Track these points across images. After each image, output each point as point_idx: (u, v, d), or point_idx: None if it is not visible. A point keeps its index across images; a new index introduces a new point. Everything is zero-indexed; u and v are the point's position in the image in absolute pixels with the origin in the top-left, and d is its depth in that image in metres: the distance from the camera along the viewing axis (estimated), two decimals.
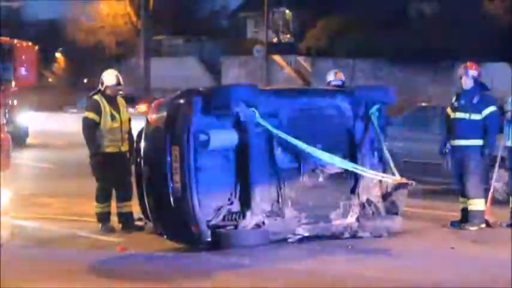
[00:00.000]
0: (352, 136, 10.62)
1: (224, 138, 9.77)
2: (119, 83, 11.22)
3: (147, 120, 10.31)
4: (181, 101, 9.89)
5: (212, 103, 9.71)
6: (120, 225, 11.17)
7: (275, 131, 9.95)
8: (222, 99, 9.78)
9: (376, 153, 10.82)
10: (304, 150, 10.06)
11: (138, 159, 10.63)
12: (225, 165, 9.85)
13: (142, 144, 10.38)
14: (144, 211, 10.62)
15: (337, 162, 10.28)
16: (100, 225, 11.13)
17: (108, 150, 11.05)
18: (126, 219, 11.16)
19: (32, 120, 27.33)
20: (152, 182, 10.03)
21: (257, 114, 9.83)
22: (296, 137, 10.05)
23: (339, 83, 12.78)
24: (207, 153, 9.65)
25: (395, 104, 11.40)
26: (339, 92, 10.85)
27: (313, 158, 10.19)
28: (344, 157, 10.46)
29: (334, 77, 12.97)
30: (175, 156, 9.57)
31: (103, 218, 11.11)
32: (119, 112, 11.15)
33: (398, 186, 11.24)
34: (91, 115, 11.04)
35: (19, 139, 24.18)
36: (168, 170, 9.58)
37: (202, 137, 9.56)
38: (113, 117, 11.08)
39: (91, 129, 11.02)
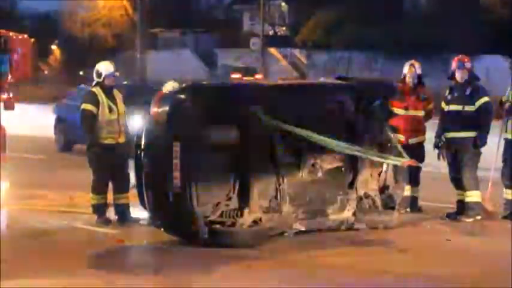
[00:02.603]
0: (353, 130, 10.61)
1: (225, 134, 9.74)
2: (114, 74, 11.26)
3: (149, 113, 10.25)
4: (184, 96, 9.85)
5: (215, 100, 9.68)
6: (117, 217, 11.18)
7: (279, 123, 9.92)
8: (226, 97, 9.75)
9: (376, 148, 10.83)
10: (310, 138, 10.04)
11: (138, 151, 10.57)
12: (225, 162, 9.81)
13: (143, 136, 10.33)
14: (142, 202, 10.59)
15: (343, 149, 10.26)
16: (96, 216, 11.14)
17: (106, 141, 11.06)
18: (122, 211, 11.16)
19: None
20: (151, 176, 10.02)
21: (260, 111, 9.81)
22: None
23: (415, 76, 11.95)
24: (207, 150, 9.62)
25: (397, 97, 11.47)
26: (341, 86, 10.79)
27: (314, 152, 10.20)
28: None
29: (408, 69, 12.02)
30: (176, 152, 9.55)
31: (99, 209, 11.11)
32: (116, 104, 11.18)
33: (397, 181, 11.31)
34: (89, 107, 11.06)
35: None
36: (168, 166, 9.57)
37: (204, 133, 9.54)
38: (110, 109, 11.10)
39: (89, 120, 11.04)
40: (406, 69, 12.04)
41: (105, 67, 11.26)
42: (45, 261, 9.03)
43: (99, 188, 11.12)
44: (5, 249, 9.16)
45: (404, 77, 12.00)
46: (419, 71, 12.04)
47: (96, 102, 11.05)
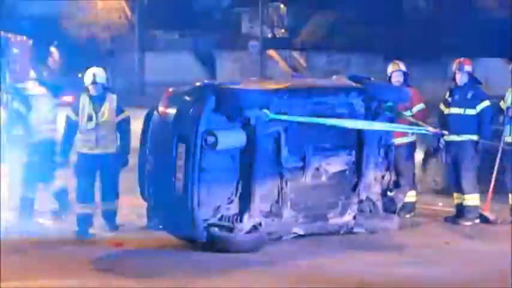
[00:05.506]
0: (361, 132, 10.58)
1: (232, 139, 9.66)
2: (94, 82, 10.81)
3: (157, 110, 10.13)
4: (193, 98, 9.74)
5: (224, 106, 9.60)
6: (104, 224, 10.93)
7: (290, 118, 9.89)
8: (235, 103, 9.66)
9: (382, 151, 10.81)
10: (328, 124, 10.07)
11: (143, 149, 10.45)
12: (230, 165, 9.76)
13: (150, 132, 10.23)
14: (144, 200, 10.47)
15: (366, 126, 10.36)
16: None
17: (82, 150, 10.88)
18: (108, 218, 10.93)
19: None
20: (155, 174, 9.99)
21: (268, 113, 9.74)
22: (306, 136, 10.07)
23: (399, 74, 11.97)
24: (213, 154, 9.55)
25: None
26: (353, 89, 10.68)
27: (319, 154, 10.20)
28: (350, 153, 10.49)
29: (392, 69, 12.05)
30: (180, 154, 9.51)
31: (81, 221, 10.76)
32: (98, 113, 10.81)
33: (398, 185, 11.29)
34: (70, 114, 10.88)
35: None
36: (172, 167, 9.54)
37: (210, 138, 9.44)
38: (89, 118, 10.81)
39: (66, 127, 10.92)
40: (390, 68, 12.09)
41: (87, 76, 10.89)
42: (45, 263, 9.02)
43: (79, 196, 10.88)
44: (5, 250, 9.15)
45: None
46: (402, 68, 12.03)
47: (77, 110, 10.85)
